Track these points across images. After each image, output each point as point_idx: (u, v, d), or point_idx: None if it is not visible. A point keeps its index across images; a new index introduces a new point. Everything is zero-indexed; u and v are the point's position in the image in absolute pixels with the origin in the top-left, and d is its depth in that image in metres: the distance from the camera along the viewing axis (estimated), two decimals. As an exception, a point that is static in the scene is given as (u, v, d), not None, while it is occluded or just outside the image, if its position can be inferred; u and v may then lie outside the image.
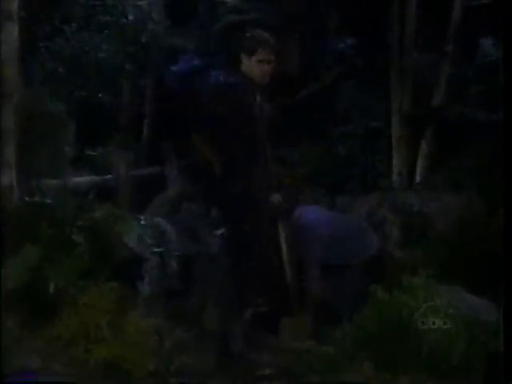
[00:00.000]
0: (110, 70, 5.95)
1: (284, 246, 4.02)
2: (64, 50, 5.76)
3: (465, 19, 5.79)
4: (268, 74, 3.62)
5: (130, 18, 5.93)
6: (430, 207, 4.90)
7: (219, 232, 4.01)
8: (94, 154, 6.41)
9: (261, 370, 3.44)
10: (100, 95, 6.18)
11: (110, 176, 6.11)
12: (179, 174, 5.88)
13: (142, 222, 4.39)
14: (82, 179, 5.72)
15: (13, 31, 4.11)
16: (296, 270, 4.07)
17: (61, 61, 5.74)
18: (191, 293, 4.10)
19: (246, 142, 3.53)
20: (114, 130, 6.63)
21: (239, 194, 3.51)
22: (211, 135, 3.62)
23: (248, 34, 3.64)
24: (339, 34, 6.82)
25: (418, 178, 5.74)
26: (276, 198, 3.84)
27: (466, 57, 6.04)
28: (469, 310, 3.35)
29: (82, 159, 6.06)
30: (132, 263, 4.10)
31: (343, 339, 3.49)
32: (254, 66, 3.57)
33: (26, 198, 4.01)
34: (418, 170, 5.78)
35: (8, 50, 4.06)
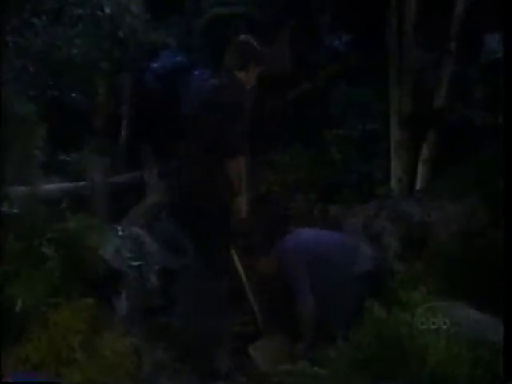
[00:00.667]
0: (84, 68, 5.93)
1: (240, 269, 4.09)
2: (34, 46, 5.74)
3: (468, 14, 5.85)
4: (254, 77, 3.67)
5: (107, 10, 5.91)
6: (431, 216, 4.92)
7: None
8: (66, 158, 6.39)
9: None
10: (73, 95, 6.17)
11: (84, 183, 6.09)
12: (160, 180, 5.88)
13: (120, 233, 4.38)
14: (54, 186, 5.69)
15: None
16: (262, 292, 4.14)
17: (30, 57, 5.72)
18: (173, 310, 4.09)
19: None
20: (88, 133, 6.61)
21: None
22: (202, 142, 3.65)
23: (237, 47, 3.66)
24: (333, 31, 6.87)
25: (418, 185, 5.77)
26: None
27: (469, 55, 6.09)
28: (473, 328, 3.36)
29: (54, 164, 6.03)
30: (108, 278, 4.09)
31: (338, 359, 3.50)
32: (243, 75, 3.62)
33: (-9, 207, 3.99)
34: (419, 177, 5.80)
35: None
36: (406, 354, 3.24)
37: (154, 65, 3.59)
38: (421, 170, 5.81)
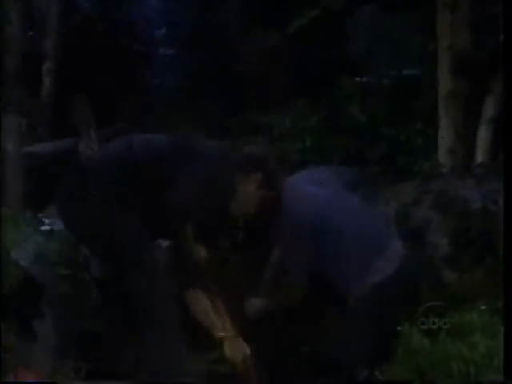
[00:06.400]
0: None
1: None
2: None
3: None
4: None
5: None
6: (498, 203, 4.97)
7: (165, 243, 4.05)
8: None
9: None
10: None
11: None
12: (102, 150, 5.89)
13: (44, 228, 4.41)
14: None
15: None
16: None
17: None
18: (119, 337, 4.13)
19: None
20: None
21: None
22: None
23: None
24: None
25: (479, 158, 5.83)
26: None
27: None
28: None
29: None
30: (25, 292, 4.12)
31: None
32: None
33: None
34: (480, 145, 5.86)
35: None
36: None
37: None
38: (483, 135, 5.87)
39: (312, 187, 4.36)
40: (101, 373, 3.95)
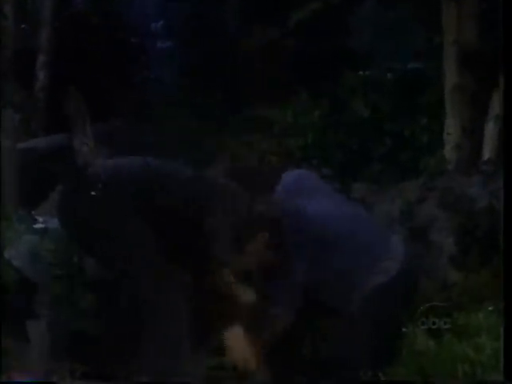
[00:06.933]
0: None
1: None
2: None
3: None
4: None
5: None
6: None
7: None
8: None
9: None
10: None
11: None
12: (97, 145, 5.90)
13: (37, 226, 4.41)
14: None
15: None
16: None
17: None
18: (116, 339, 4.14)
19: None
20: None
21: None
22: None
23: None
24: None
25: (486, 155, 5.85)
26: None
27: None
28: None
29: None
30: (19, 294, 4.13)
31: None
32: None
33: None
34: (488, 142, 5.88)
35: None
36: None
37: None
38: (490, 131, 5.87)
39: (308, 199, 4.41)
40: (96, 375, 3.96)
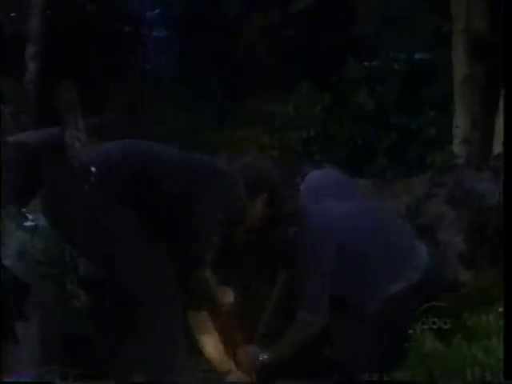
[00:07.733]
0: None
1: None
2: None
3: None
4: None
5: None
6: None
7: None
8: None
9: None
10: None
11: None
12: (89, 139, 5.92)
13: (27, 224, 4.42)
14: None
15: None
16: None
17: None
18: (109, 340, 4.15)
19: None
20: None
21: None
22: None
23: None
24: None
25: (497, 149, 5.84)
26: None
27: None
28: None
29: None
30: (8, 294, 4.14)
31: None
32: None
33: None
34: (499, 135, 5.86)
35: None
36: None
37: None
38: (501, 124, 5.87)
39: (333, 201, 4.44)
40: (89, 376, 3.98)
